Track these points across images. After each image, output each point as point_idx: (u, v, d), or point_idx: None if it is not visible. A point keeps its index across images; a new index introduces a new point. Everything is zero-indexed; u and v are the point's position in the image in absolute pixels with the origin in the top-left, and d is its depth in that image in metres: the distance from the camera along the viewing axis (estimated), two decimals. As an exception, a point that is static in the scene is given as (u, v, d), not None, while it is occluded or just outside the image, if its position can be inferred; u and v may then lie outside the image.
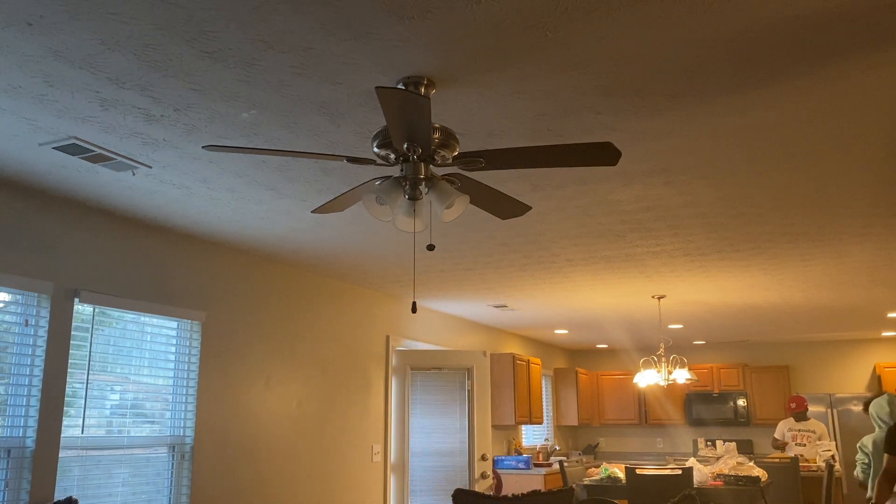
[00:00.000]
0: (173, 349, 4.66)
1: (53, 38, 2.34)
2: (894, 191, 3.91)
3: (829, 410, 9.75)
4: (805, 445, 8.05)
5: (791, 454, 7.81)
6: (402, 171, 2.65)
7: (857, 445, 5.94)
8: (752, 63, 2.51)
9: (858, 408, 9.72)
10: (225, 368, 4.97)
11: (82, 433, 4.03)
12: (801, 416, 8.23)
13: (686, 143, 3.25)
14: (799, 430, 8.21)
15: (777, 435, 8.39)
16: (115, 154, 3.30)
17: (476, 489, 6.44)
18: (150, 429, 4.48)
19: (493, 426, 8.60)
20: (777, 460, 7.32)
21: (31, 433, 3.74)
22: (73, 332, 3.99)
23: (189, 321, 4.73)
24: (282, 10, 2.18)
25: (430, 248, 3.01)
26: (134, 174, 3.58)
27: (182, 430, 4.63)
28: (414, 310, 3.13)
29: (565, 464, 7.74)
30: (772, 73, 2.58)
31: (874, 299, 7.16)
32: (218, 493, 4.80)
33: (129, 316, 4.39)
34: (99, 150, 3.24)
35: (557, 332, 9.51)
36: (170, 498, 4.50)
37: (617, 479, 6.87)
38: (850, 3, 2.15)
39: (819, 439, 8.02)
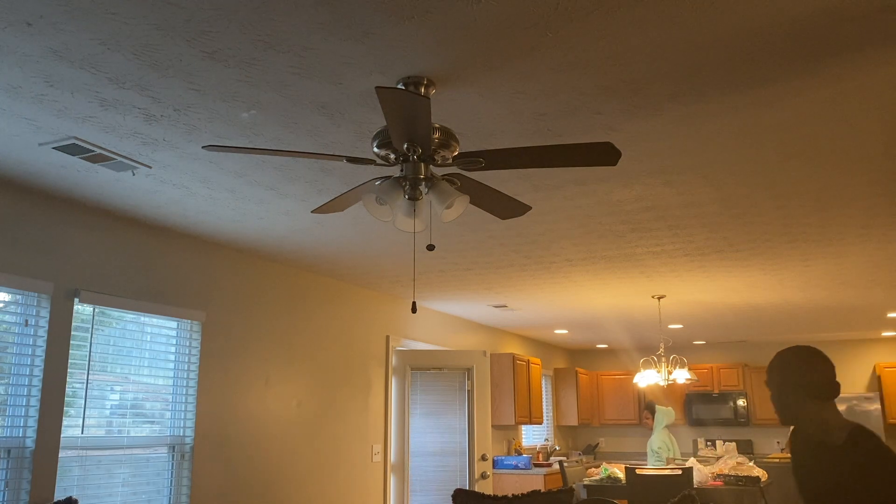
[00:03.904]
0: (173, 349, 4.66)
1: (53, 38, 2.34)
2: (894, 191, 3.91)
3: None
4: None
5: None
6: (402, 171, 2.65)
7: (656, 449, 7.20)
8: (752, 63, 2.51)
9: (860, 407, 9.72)
10: (225, 368, 4.97)
11: (82, 433, 4.03)
12: None
13: (686, 143, 3.25)
14: None
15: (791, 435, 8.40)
16: (115, 154, 3.30)
17: (476, 489, 6.44)
18: (150, 429, 4.47)
19: (493, 426, 8.60)
20: (777, 460, 7.32)
21: (31, 433, 3.74)
22: (73, 332, 3.99)
23: (189, 321, 4.73)
24: (282, 10, 2.18)
25: (430, 248, 3.01)
26: (134, 174, 3.58)
27: (182, 430, 4.63)
28: (414, 310, 3.13)
29: (565, 464, 7.74)
30: (772, 72, 2.58)
31: (874, 299, 7.16)
32: (218, 493, 4.80)
33: (129, 316, 4.39)
34: (99, 150, 3.24)
35: (557, 332, 9.51)
36: (170, 498, 4.50)
37: (617, 479, 6.87)
38: (850, 3, 2.15)
39: None
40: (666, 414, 7.91)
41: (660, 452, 7.63)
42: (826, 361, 2.52)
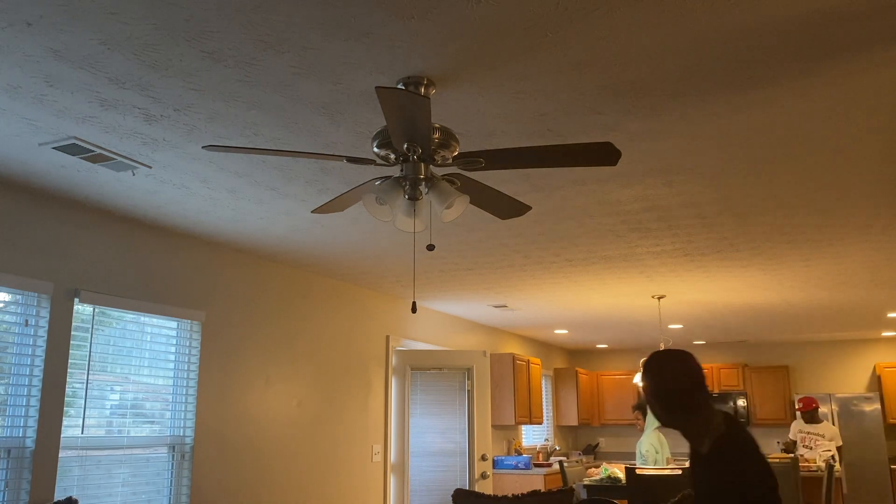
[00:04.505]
0: (173, 349, 4.66)
1: (53, 38, 2.34)
2: (894, 191, 3.91)
3: (829, 410, 9.75)
4: (812, 449, 7.99)
5: (799, 454, 7.79)
6: (402, 171, 2.65)
7: (644, 451, 7.12)
8: (752, 63, 2.51)
9: (859, 407, 9.72)
10: (225, 368, 4.97)
11: (82, 433, 4.03)
12: (810, 417, 8.18)
13: (686, 143, 3.25)
14: (808, 433, 8.17)
15: (791, 435, 8.35)
16: (115, 154, 3.30)
17: (476, 489, 6.44)
18: (150, 429, 4.47)
19: (493, 426, 8.60)
20: (777, 460, 7.32)
21: (31, 433, 3.74)
22: (73, 332, 3.99)
23: (189, 321, 4.73)
24: (282, 10, 2.18)
25: (430, 248, 3.01)
26: (134, 174, 3.58)
27: (182, 430, 4.63)
28: (414, 310, 3.13)
29: (565, 464, 7.74)
30: (772, 72, 2.58)
31: (874, 299, 7.16)
32: (218, 493, 4.80)
33: (129, 316, 4.39)
34: (99, 150, 3.24)
35: (557, 332, 9.50)
36: (170, 498, 4.50)
37: (617, 479, 6.87)
38: (850, 3, 2.15)
39: (829, 442, 7.97)
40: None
41: (647, 456, 7.54)
42: (695, 366, 2.42)
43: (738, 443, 2.31)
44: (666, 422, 2.42)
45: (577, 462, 9.31)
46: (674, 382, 2.39)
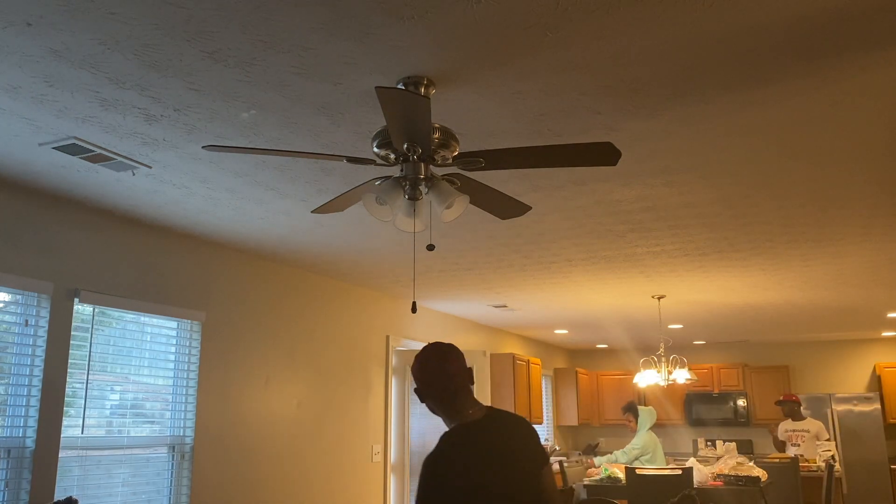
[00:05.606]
0: (173, 349, 4.66)
1: (53, 38, 2.34)
2: (894, 191, 3.91)
3: (829, 410, 9.75)
4: (800, 445, 8.03)
5: (790, 454, 7.81)
6: (402, 171, 2.65)
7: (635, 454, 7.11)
8: (753, 63, 2.51)
9: (859, 407, 9.72)
10: (225, 368, 4.97)
11: (82, 433, 4.03)
12: (790, 411, 8.22)
13: (686, 143, 3.25)
14: (793, 431, 8.20)
15: (779, 437, 8.37)
16: (115, 154, 3.30)
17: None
18: (150, 429, 4.47)
19: (493, 426, 8.57)
20: (777, 460, 7.32)
21: (31, 433, 3.74)
22: (73, 332, 3.99)
23: (189, 321, 4.73)
24: (282, 10, 2.18)
25: (430, 248, 3.01)
26: (134, 174, 3.58)
27: (182, 430, 4.63)
28: (414, 310, 3.13)
29: (565, 464, 7.73)
30: (772, 72, 2.58)
31: (874, 299, 7.16)
32: (218, 493, 4.80)
33: (129, 316, 4.39)
34: (99, 150, 3.24)
35: (557, 332, 9.50)
36: (170, 498, 4.50)
37: (617, 479, 6.87)
38: (850, 3, 2.15)
39: (816, 437, 8.01)
40: (650, 414, 7.69)
41: (629, 452, 7.50)
42: (454, 360, 2.56)
43: (469, 430, 2.48)
44: (428, 405, 2.59)
45: (577, 462, 9.31)
46: (432, 372, 2.54)
